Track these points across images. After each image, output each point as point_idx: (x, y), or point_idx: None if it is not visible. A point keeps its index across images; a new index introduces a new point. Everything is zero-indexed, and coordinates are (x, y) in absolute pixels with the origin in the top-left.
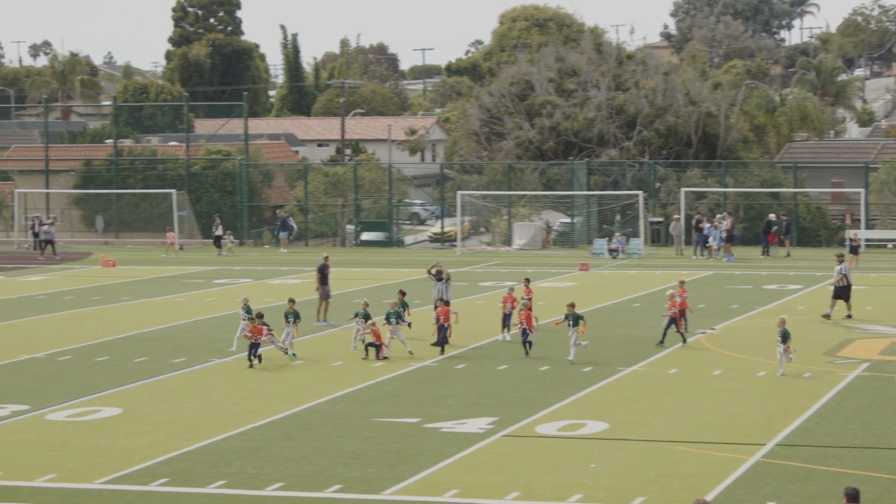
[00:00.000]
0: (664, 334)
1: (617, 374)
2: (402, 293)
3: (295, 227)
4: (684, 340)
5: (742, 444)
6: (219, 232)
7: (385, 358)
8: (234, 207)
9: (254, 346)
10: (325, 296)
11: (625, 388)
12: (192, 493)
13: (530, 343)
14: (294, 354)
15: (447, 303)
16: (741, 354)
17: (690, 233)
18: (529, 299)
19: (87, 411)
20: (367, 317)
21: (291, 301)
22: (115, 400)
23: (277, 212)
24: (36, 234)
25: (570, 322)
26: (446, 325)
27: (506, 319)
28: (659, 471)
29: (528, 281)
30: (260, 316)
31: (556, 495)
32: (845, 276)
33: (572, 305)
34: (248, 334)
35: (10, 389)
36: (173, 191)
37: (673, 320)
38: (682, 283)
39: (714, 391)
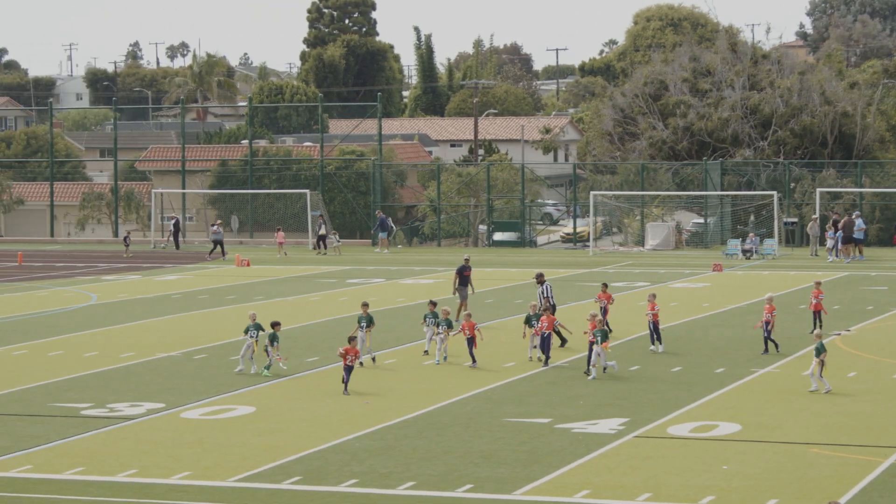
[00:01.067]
0: (765, 343)
1: (750, 375)
2: (433, 303)
3: (394, 227)
4: (772, 347)
5: (877, 447)
6: (322, 231)
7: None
8: (367, 207)
9: (348, 370)
10: (464, 296)
11: (758, 390)
12: (323, 492)
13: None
14: (372, 359)
15: (552, 310)
16: (876, 356)
17: (825, 233)
18: (601, 308)
19: (221, 409)
20: (449, 325)
21: (365, 305)
22: (249, 398)
23: (377, 212)
24: (172, 235)
25: (599, 338)
26: (548, 332)
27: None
28: (793, 473)
29: (605, 286)
30: (352, 339)
31: (687, 497)
32: None
33: (602, 321)
34: (342, 353)
35: (146, 388)
36: (307, 191)
37: (767, 325)
38: (818, 283)
39: (849, 393)
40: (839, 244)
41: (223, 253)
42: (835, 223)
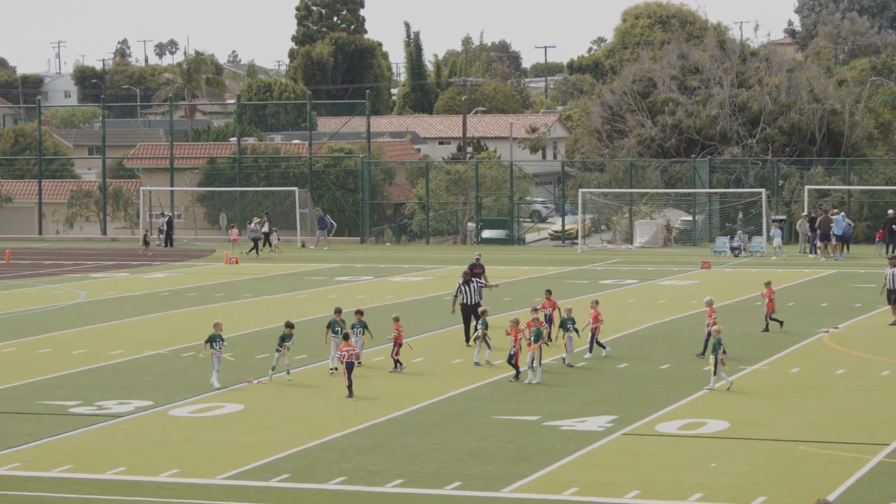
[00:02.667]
0: (705, 344)
1: (738, 372)
2: (339, 310)
3: (334, 224)
4: (703, 351)
5: (865, 444)
6: (265, 229)
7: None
8: (355, 205)
9: (350, 367)
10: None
11: (746, 387)
12: (312, 489)
13: (516, 369)
14: (336, 370)
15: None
16: (864, 353)
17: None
18: (546, 316)
19: (209, 407)
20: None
21: (338, 311)
22: (238, 396)
23: (316, 209)
24: (164, 233)
25: (532, 338)
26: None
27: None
28: (781, 471)
29: (549, 292)
30: (346, 337)
31: (676, 494)
32: None
33: (538, 321)
34: (341, 353)
35: (134, 385)
36: (296, 188)
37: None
38: (767, 283)
39: (837, 390)
40: (817, 242)
41: (257, 252)
42: (812, 221)
